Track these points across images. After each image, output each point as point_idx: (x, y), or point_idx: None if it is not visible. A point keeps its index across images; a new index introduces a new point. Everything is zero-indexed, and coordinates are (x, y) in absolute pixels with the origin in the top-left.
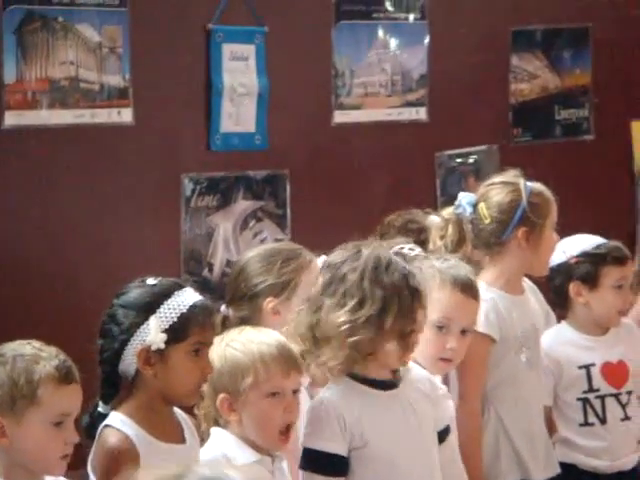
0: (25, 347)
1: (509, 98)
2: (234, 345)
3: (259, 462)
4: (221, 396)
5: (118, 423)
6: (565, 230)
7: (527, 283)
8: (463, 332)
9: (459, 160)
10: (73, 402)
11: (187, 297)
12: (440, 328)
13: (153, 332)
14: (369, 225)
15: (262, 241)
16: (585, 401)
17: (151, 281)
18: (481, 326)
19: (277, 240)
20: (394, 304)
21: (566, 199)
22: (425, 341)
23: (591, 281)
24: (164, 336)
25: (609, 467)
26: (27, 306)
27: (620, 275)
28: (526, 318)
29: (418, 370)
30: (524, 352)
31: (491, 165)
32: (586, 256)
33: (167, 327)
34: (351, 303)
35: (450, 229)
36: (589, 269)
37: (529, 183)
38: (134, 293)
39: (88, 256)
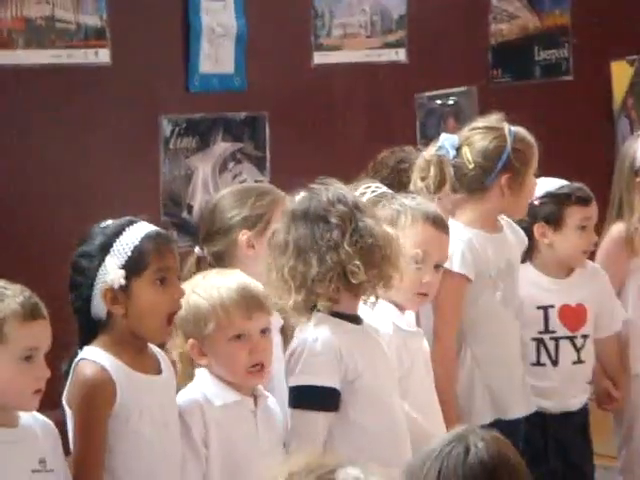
0: None
1: (489, 39)
2: (197, 291)
3: (239, 402)
4: (190, 341)
5: (93, 355)
6: (545, 172)
7: (504, 219)
8: (437, 267)
9: (439, 101)
10: (40, 337)
11: (140, 230)
12: (416, 263)
13: (111, 270)
14: (348, 167)
15: (241, 182)
16: (539, 341)
17: (104, 224)
18: (457, 266)
19: (256, 182)
20: (370, 241)
21: (546, 140)
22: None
23: (555, 222)
24: (122, 272)
25: (556, 407)
26: (1, 248)
27: (584, 215)
28: (502, 255)
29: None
30: (500, 289)
31: (470, 106)
32: (550, 197)
33: (123, 263)
34: (324, 246)
35: (432, 170)
36: (553, 210)
37: (513, 128)
38: (90, 239)
39: (65, 198)
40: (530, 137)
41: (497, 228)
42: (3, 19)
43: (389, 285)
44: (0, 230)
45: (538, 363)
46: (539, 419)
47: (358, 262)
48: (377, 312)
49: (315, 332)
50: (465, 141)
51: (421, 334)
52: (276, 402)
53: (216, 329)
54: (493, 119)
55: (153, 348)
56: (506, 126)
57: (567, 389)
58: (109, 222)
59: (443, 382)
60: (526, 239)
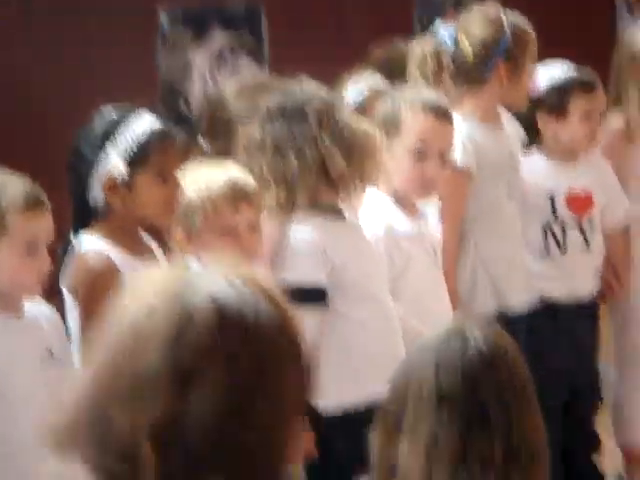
0: None
1: None
2: (188, 184)
3: None
4: (178, 230)
5: (96, 245)
6: (546, 58)
7: (502, 112)
8: (442, 160)
9: None
10: (42, 227)
11: (143, 123)
12: (419, 154)
13: (114, 162)
14: (346, 57)
15: (240, 75)
16: (547, 228)
17: (106, 110)
18: (458, 159)
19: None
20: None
21: (545, 27)
22: (404, 170)
23: (558, 112)
24: (125, 164)
25: (565, 295)
26: (4, 138)
27: (588, 105)
28: (504, 147)
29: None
30: (502, 181)
31: None
32: (553, 86)
33: (127, 156)
34: (291, 155)
35: (429, 61)
36: (556, 100)
37: (511, 16)
38: (92, 125)
39: (65, 89)
40: (528, 24)
41: (497, 120)
42: None
43: (369, 180)
44: (4, 119)
45: (547, 251)
46: (550, 311)
47: (336, 155)
48: (369, 212)
49: (298, 228)
50: (462, 30)
51: (431, 232)
52: None
53: (204, 222)
54: (490, 7)
55: (145, 236)
56: (503, 14)
57: (575, 277)
58: (110, 108)
59: (444, 273)
60: (522, 133)
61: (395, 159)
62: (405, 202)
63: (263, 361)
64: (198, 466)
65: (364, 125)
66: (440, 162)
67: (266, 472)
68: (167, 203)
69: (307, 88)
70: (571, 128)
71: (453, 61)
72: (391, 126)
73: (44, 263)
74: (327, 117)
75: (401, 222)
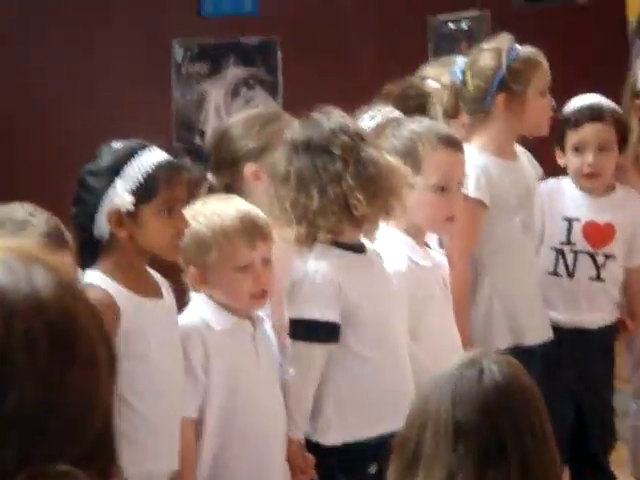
0: (17, 211)
1: None
2: (198, 218)
3: (239, 326)
4: (191, 269)
5: (95, 279)
6: (560, 94)
7: (519, 148)
8: (459, 190)
9: (452, 26)
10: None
11: (152, 156)
12: (440, 189)
13: (120, 194)
14: (361, 91)
15: (252, 109)
16: (559, 252)
17: (115, 144)
18: (471, 190)
19: (266, 108)
20: (347, 169)
21: (561, 64)
22: (429, 206)
23: (561, 144)
24: (131, 197)
25: (569, 321)
26: (17, 166)
27: (577, 138)
28: (520, 183)
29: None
30: (519, 216)
31: (485, 31)
32: (562, 119)
33: (134, 188)
34: (325, 178)
35: (446, 95)
36: (559, 132)
37: (516, 48)
38: (100, 159)
39: (78, 123)
40: (534, 56)
41: (512, 155)
42: None
43: (392, 215)
44: (11, 149)
45: (555, 273)
46: (555, 338)
47: (360, 195)
48: (390, 245)
49: (316, 264)
50: (468, 63)
51: (442, 265)
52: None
53: (219, 258)
54: (499, 40)
55: (153, 273)
56: (506, 46)
57: (581, 304)
58: (120, 143)
59: (456, 309)
60: (540, 169)
61: (415, 194)
62: (418, 236)
63: (60, 327)
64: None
65: (389, 159)
66: (459, 193)
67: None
68: (173, 237)
69: (334, 120)
70: (568, 160)
71: (462, 94)
72: (409, 163)
73: None
74: (352, 153)
75: (419, 256)
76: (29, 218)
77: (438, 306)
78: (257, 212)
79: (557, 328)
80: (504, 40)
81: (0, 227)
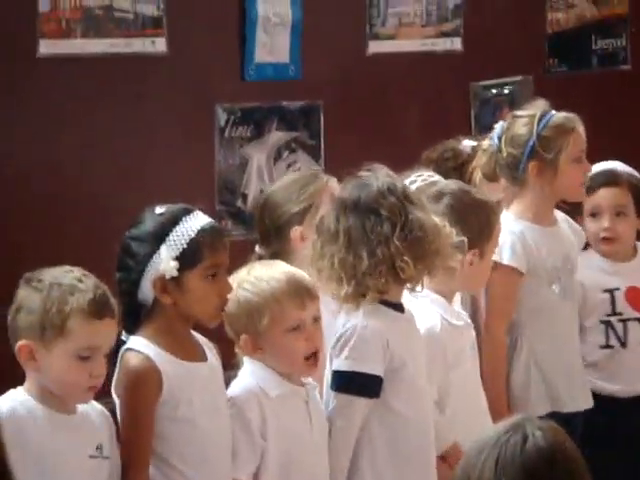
0: (66, 276)
1: (545, 28)
2: (245, 286)
3: (294, 392)
4: (243, 337)
5: (138, 345)
6: (600, 160)
7: (559, 214)
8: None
9: (494, 91)
10: (103, 337)
11: (195, 222)
12: (480, 253)
13: (165, 261)
14: (403, 156)
15: (292, 172)
16: (607, 324)
17: (159, 210)
18: (507, 258)
19: (305, 170)
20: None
21: (602, 130)
22: (479, 271)
23: (580, 210)
24: (176, 263)
25: (626, 391)
26: (62, 233)
27: (591, 203)
28: (558, 249)
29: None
30: (557, 283)
31: (526, 96)
32: (588, 184)
33: (178, 254)
34: (374, 241)
35: (484, 160)
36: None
37: (549, 115)
38: (144, 224)
39: (122, 185)
40: (569, 122)
41: (550, 221)
42: (62, 9)
43: (435, 274)
44: (56, 216)
45: (607, 346)
46: (608, 405)
47: (407, 257)
48: (424, 305)
49: (365, 319)
50: (504, 129)
51: (469, 326)
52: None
53: (271, 322)
54: (535, 106)
55: (197, 337)
56: (539, 113)
57: (637, 372)
58: (163, 208)
59: (492, 376)
60: (583, 233)
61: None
62: (449, 296)
63: None
64: None
65: (435, 220)
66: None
67: None
68: (217, 302)
69: (382, 180)
70: (585, 225)
71: (497, 160)
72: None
73: (98, 370)
74: (400, 215)
75: (452, 315)
76: (77, 283)
77: (468, 365)
78: (302, 273)
79: (612, 399)
80: (538, 107)
81: (49, 290)
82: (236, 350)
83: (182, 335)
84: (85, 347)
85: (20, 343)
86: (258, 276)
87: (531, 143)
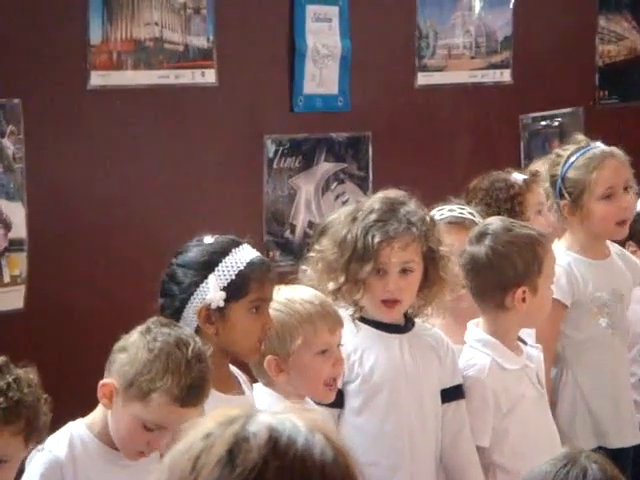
0: (179, 349)
1: (595, 60)
2: (276, 307)
3: None
4: (269, 357)
5: None
6: None
7: (615, 247)
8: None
9: (544, 123)
10: (175, 422)
11: (244, 254)
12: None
13: (212, 290)
14: (451, 188)
15: (344, 203)
16: None
17: (208, 239)
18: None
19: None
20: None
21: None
22: (534, 307)
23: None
24: (223, 294)
25: None
26: (109, 265)
27: None
28: (606, 282)
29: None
30: (604, 317)
31: (576, 128)
32: (638, 216)
33: (226, 285)
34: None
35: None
36: (638, 228)
37: (579, 153)
38: (192, 252)
39: (171, 216)
40: (594, 160)
41: (602, 254)
42: (113, 41)
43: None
44: (104, 248)
45: None
46: None
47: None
48: (476, 347)
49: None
50: (549, 166)
51: (536, 361)
52: None
53: (302, 344)
54: (572, 143)
55: (233, 369)
56: (569, 152)
57: None
58: (212, 239)
59: None
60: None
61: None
62: (506, 337)
63: None
64: None
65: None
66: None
67: None
68: (258, 336)
69: (409, 208)
70: None
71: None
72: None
73: (156, 443)
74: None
75: (506, 359)
76: (183, 363)
77: (529, 407)
78: (330, 300)
79: None
80: (573, 144)
81: (157, 356)
82: (254, 373)
83: (222, 367)
84: (154, 422)
85: (107, 380)
86: (290, 298)
87: (558, 184)
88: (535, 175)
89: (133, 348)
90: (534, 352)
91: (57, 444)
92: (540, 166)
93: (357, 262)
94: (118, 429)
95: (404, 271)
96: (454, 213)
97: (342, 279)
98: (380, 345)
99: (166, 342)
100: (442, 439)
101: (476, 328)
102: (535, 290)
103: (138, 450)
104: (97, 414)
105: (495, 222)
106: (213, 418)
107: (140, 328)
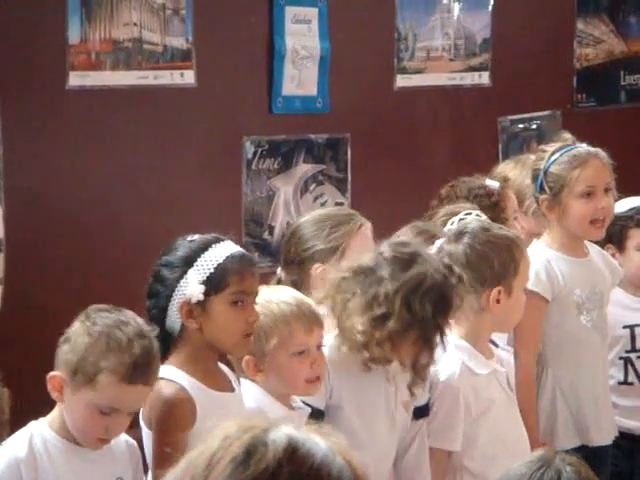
0: (120, 329)
1: (573, 63)
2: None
3: (289, 416)
4: (246, 357)
5: (171, 375)
6: (629, 194)
7: (594, 247)
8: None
9: (522, 125)
10: (128, 401)
11: (225, 249)
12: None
13: (191, 284)
14: (430, 190)
15: (322, 204)
16: (627, 360)
17: (191, 237)
18: (530, 284)
19: (337, 204)
20: (414, 332)
21: (630, 165)
22: (509, 309)
23: (618, 243)
24: (202, 287)
25: None
26: (87, 265)
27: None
28: (585, 280)
29: None
30: (584, 314)
31: (554, 131)
32: (617, 219)
33: (204, 278)
34: (377, 312)
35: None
36: (616, 231)
37: (564, 150)
38: (175, 251)
39: (149, 217)
40: (578, 158)
41: (581, 252)
42: (91, 41)
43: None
44: (82, 248)
45: (625, 382)
46: (626, 442)
47: None
48: (448, 351)
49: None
50: (528, 164)
51: (506, 365)
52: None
53: (277, 345)
54: (560, 139)
55: (222, 366)
56: (554, 148)
57: None
58: (196, 236)
59: (523, 405)
60: (620, 268)
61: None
62: (478, 342)
63: None
64: None
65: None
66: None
67: None
68: (242, 329)
69: (415, 266)
70: (629, 259)
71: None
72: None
73: (115, 427)
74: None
75: (476, 363)
76: (125, 341)
77: (499, 411)
78: (309, 300)
79: (631, 436)
80: (558, 141)
81: (97, 339)
82: (236, 369)
83: (210, 364)
84: (107, 405)
85: (53, 373)
86: (267, 298)
87: (540, 178)
88: (506, 181)
89: (74, 336)
90: (505, 355)
91: (16, 443)
92: (509, 170)
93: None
94: (74, 419)
95: None
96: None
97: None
98: (355, 370)
99: (105, 324)
100: (405, 450)
101: (449, 335)
102: (510, 291)
103: (98, 437)
104: (56, 411)
105: (473, 222)
106: (235, 423)
107: (80, 316)
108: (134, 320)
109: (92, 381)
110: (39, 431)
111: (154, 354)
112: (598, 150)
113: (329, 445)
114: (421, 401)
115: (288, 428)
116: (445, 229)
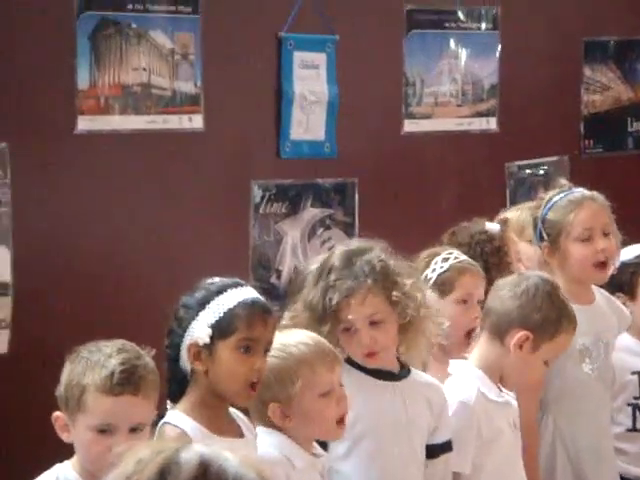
0: (100, 350)
1: (581, 109)
2: (272, 353)
3: (314, 464)
4: (272, 406)
5: (175, 419)
6: (637, 242)
7: (602, 293)
8: None
9: (529, 171)
10: (119, 413)
11: (239, 294)
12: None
13: (200, 326)
14: (437, 236)
15: (330, 249)
16: (635, 407)
17: (212, 280)
18: None
19: None
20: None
21: (637, 211)
22: (524, 363)
23: (629, 291)
24: (210, 331)
25: None
26: (90, 308)
27: None
28: (589, 328)
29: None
30: (587, 363)
31: (561, 176)
32: (624, 266)
33: (213, 322)
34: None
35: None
36: (626, 279)
37: (560, 196)
38: (195, 292)
39: (158, 262)
40: (573, 203)
41: (586, 299)
42: (100, 85)
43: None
44: (92, 290)
45: (634, 429)
46: None
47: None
48: (463, 377)
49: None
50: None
51: (511, 405)
52: None
53: (303, 387)
54: (556, 187)
55: (234, 412)
56: (550, 195)
57: None
58: (216, 279)
59: (526, 449)
60: (628, 314)
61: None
62: (492, 375)
63: None
64: None
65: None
66: None
67: None
68: (246, 378)
69: (368, 258)
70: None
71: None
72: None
73: (119, 444)
74: None
75: (490, 390)
76: (103, 358)
77: (506, 444)
78: (323, 339)
79: None
80: (556, 188)
81: (77, 364)
82: (255, 421)
83: (218, 409)
84: (101, 423)
85: (56, 414)
86: (284, 342)
87: (538, 227)
88: (506, 224)
89: (63, 373)
90: (510, 398)
91: None
92: (509, 213)
93: (323, 324)
94: (82, 453)
95: (374, 323)
96: (459, 259)
97: None
98: (368, 391)
99: (87, 351)
100: None
101: (465, 361)
102: (536, 348)
103: (107, 463)
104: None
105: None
106: (148, 446)
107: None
108: (118, 343)
109: (80, 403)
110: (63, 473)
111: (138, 364)
112: (594, 193)
113: (241, 459)
114: (442, 437)
115: (199, 446)
116: (428, 271)
